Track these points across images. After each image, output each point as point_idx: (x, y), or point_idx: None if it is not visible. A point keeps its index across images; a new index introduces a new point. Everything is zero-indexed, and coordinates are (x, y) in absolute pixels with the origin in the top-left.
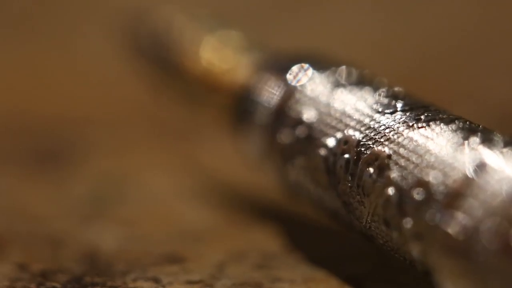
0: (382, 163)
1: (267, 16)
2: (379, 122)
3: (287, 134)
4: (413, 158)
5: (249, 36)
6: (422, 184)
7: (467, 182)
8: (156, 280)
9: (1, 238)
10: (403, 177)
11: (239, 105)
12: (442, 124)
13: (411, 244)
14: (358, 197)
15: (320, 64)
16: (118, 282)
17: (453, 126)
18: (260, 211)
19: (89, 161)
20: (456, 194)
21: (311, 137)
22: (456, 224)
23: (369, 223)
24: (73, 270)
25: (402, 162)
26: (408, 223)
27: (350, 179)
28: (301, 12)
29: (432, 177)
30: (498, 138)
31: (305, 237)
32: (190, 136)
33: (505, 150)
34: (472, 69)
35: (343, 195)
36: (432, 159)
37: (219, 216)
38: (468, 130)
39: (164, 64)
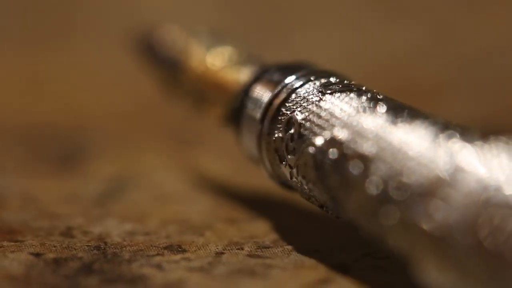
0: (366, 161)
1: (260, 36)
2: (363, 123)
3: (280, 134)
4: (394, 156)
5: (245, 50)
6: (401, 182)
7: (441, 181)
8: (159, 267)
9: (18, 231)
10: (386, 174)
11: (234, 106)
12: (420, 123)
13: (393, 236)
14: (344, 191)
15: (311, 72)
16: (125, 269)
17: (430, 126)
18: (255, 206)
19: (99, 162)
20: (432, 192)
21: (301, 136)
22: (431, 221)
23: (354, 215)
24: (84, 259)
25: (385, 159)
26: (390, 218)
27: (336, 174)
28: (297, 31)
29: (409, 176)
30: (473, 138)
31: (297, 229)
32: (191, 137)
33: (479, 149)
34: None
35: (330, 189)
36: (411, 160)
37: (217, 212)
38: (444, 129)
39: (166, 68)
